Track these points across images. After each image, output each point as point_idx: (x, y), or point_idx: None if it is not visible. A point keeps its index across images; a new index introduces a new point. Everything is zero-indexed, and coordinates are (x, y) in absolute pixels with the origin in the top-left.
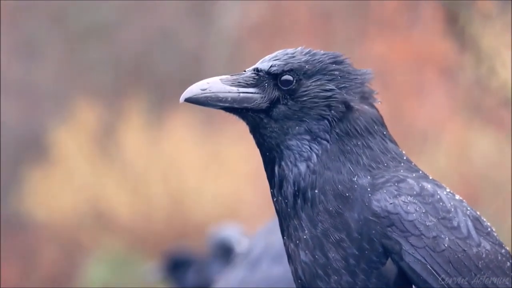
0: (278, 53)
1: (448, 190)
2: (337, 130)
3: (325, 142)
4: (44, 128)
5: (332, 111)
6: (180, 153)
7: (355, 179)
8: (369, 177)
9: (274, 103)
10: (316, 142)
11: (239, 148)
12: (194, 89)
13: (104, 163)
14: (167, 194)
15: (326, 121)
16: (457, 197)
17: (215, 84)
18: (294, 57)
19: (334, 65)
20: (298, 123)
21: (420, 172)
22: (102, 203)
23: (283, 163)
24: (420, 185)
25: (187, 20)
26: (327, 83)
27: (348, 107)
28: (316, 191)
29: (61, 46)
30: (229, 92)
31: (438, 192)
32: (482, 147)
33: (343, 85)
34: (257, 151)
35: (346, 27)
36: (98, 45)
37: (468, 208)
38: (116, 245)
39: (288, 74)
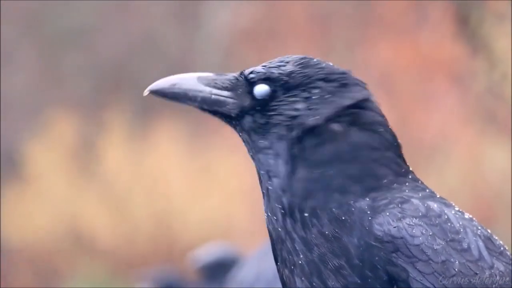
0: (278, 58)
1: (456, 208)
2: (301, 151)
3: (290, 162)
4: (17, 142)
5: (293, 133)
6: (166, 168)
7: (351, 202)
8: (367, 199)
9: (243, 111)
10: (281, 161)
11: (230, 162)
12: (162, 82)
13: (83, 180)
14: (152, 214)
15: (286, 142)
16: (467, 215)
17: (187, 81)
18: (283, 65)
19: (320, 82)
20: (262, 137)
21: (427, 190)
22: (81, 224)
23: (261, 175)
24: (425, 205)
25: (173, 23)
26: (300, 101)
27: (311, 132)
28: (305, 214)
29: (35, 53)
30: (200, 91)
31: (446, 211)
32: (496, 161)
33: (317, 106)
34: (249, 165)
35: (347, 30)
36: (76, 52)
37: (479, 227)
38: (96, 270)
39: (264, 83)
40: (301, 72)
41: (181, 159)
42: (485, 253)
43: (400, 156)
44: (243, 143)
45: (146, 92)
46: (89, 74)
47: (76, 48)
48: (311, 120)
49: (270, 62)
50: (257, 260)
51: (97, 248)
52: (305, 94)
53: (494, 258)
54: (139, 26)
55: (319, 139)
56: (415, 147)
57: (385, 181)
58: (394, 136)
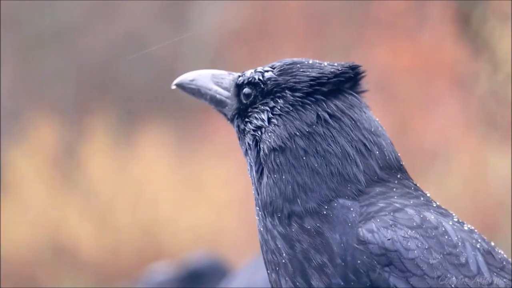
0: (273, 62)
1: (455, 219)
2: (265, 161)
3: (259, 170)
4: None
5: (259, 143)
6: (152, 176)
7: (333, 198)
8: (350, 199)
9: (233, 114)
10: (253, 168)
11: (219, 170)
12: (184, 77)
13: (65, 189)
14: (137, 224)
15: (254, 151)
16: (466, 227)
17: (202, 78)
18: (267, 71)
19: (286, 91)
20: (242, 143)
21: (421, 198)
22: (63, 235)
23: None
24: (421, 215)
25: (159, 24)
26: (267, 110)
27: (271, 141)
28: (284, 212)
29: (13, 55)
30: (209, 90)
31: (443, 223)
32: (499, 168)
33: (276, 121)
34: (240, 173)
35: (343, 31)
36: (57, 54)
37: (479, 240)
38: (79, 282)
39: (248, 88)
40: (275, 80)
41: (168, 166)
42: (484, 268)
43: (387, 160)
44: None
45: (173, 86)
46: (71, 78)
47: (57, 50)
48: (267, 137)
49: (264, 66)
50: (248, 272)
51: (80, 260)
52: (272, 104)
53: (494, 274)
54: (124, 27)
55: (274, 151)
56: (414, 153)
57: (364, 183)
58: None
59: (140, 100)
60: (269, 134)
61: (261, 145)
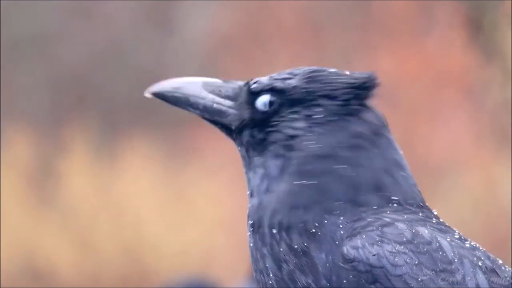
0: (287, 70)
1: (456, 236)
2: (294, 167)
3: (275, 180)
4: None
5: (292, 153)
6: (137, 194)
7: (325, 215)
8: (341, 215)
9: (243, 124)
10: (267, 179)
11: (209, 187)
12: (165, 85)
13: (42, 208)
14: (121, 247)
15: (281, 160)
16: (468, 244)
17: (191, 86)
18: (289, 78)
19: (323, 100)
20: (258, 154)
21: (420, 214)
22: (39, 258)
23: (248, 194)
24: (413, 230)
25: (142, 30)
26: (301, 119)
27: (307, 150)
28: (274, 228)
29: None
30: (203, 99)
31: (438, 238)
32: None
33: (318, 127)
34: (231, 191)
35: (343, 36)
36: (34, 61)
37: (482, 258)
38: None
39: (268, 95)
40: (305, 88)
41: (154, 183)
42: (484, 286)
43: (392, 175)
44: (242, 159)
45: (147, 94)
46: (48, 87)
47: (33, 58)
48: (306, 146)
49: (278, 74)
50: None
51: (58, 285)
52: (307, 112)
53: None
54: (105, 34)
55: (314, 162)
56: (420, 168)
57: (365, 201)
58: (389, 159)
59: (123, 111)
60: (310, 142)
61: (297, 154)
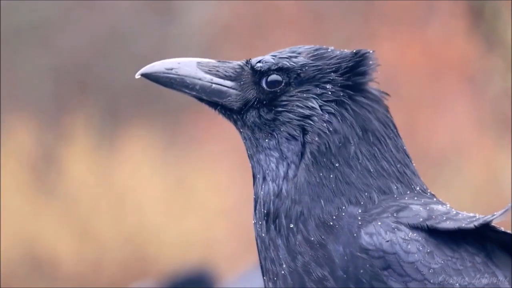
0: (289, 48)
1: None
2: (312, 154)
3: (293, 165)
4: None
5: (307, 136)
6: (138, 183)
7: (343, 207)
8: (361, 204)
9: (248, 105)
10: (285, 163)
11: (210, 175)
12: (156, 66)
13: (43, 196)
14: (121, 235)
15: (297, 143)
16: None
17: (186, 67)
18: (294, 57)
19: (333, 74)
20: (268, 135)
21: (434, 199)
22: (40, 246)
23: (256, 179)
24: (428, 208)
25: (143, 18)
26: (313, 98)
27: (325, 132)
28: (292, 219)
29: None
30: (199, 79)
31: (453, 209)
32: None
33: (330, 105)
34: (232, 179)
35: (345, 25)
36: (35, 50)
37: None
38: None
39: (277, 74)
40: (314, 65)
41: (155, 172)
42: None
43: (407, 165)
44: (243, 141)
45: (137, 75)
46: (49, 76)
47: (34, 46)
48: (323, 127)
49: (280, 52)
50: (240, 284)
51: (59, 273)
52: (317, 90)
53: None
54: (106, 21)
55: (332, 146)
56: (422, 157)
57: (385, 191)
58: (399, 146)
59: (124, 99)
60: (325, 124)
61: (313, 137)
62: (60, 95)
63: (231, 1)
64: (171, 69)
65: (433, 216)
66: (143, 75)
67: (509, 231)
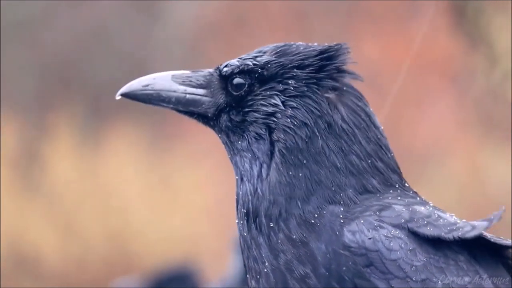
0: (256, 49)
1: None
2: (280, 152)
3: (265, 165)
4: None
5: (273, 134)
6: (122, 180)
7: (323, 205)
8: (342, 203)
9: (220, 110)
10: (257, 163)
11: (194, 173)
12: (134, 84)
13: (27, 194)
14: (106, 233)
15: (265, 142)
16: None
17: (161, 81)
18: (259, 56)
19: (295, 70)
20: (240, 137)
21: (417, 199)
22: (25, 244)
23: (236, 179)
24: (410, 209)
25: (127, 15)
26: (276, 94)
27: (289, 127)
28: (272, 218)
29: None
30: (174, 91)
31: (436, 212)
32: (497, 172)
33: (293, 100)
34: (216, 177)
35: (328, 23)
36: (18, 47)
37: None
38: None
39: (239, 77)
40: (276, 62)
41: (139, 169)
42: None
43: (380, 159)
44: (224, 146)
45: (117, 96)
46: (32, 73)
47: (17, 43)
48: (287, 122)
49: (248, 54)
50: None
51: (43, 270)
52: (281, 87)
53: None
54: (90, 19)
55: (298, 141)
56: (406, 154)
57: (359, 189)
58: (370, 137)
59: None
60: (289, 119)
61: (279, 135)
62: (44, 92)
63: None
64: (147, 85)
65: (415, 219)
66: (122, 95)
67: (488, 237)
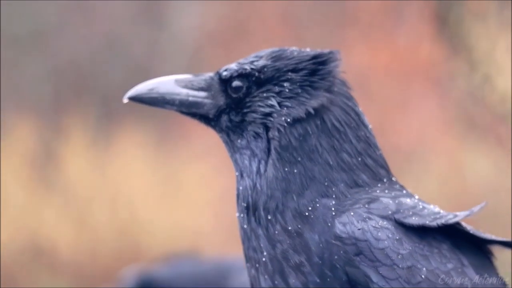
0: (255, 53)
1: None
2: (276, 150)
3: (263, 161)
4: None
5: (269, 133)
6: (130, 177)
7: (317, 199)
8: (334, 196)
9: (220, 111)
10: (256, 160)
11: (197, 171)
12: (140, 88)
13: (43, 190)
14: (116, 226)
15: (262, 140)
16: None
17: (165, 85)
18: (256, 61)
19: (290, 73)
20: (240, 136)
21: (404, 191)
22: (42, 236)
23: (236, 175)
24: (397, 201)
25: (136, 25)
26: (273, 96)
27: (288, 126)
28: (269, 211)
29: None
30: (177, 94)
31: (421, 203)
32: (478, 169)
33: (288, 101)
34: (217, 174)
35: (321, 32)
36: (35, 55)
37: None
38: (58, 283)
39: (238, 80)
40: (272, 66)
41: (146, 167)
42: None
43: (369, 156)
44: (224, 145)
45: (125, 100)
46: (48, 78)
47: (34, 51)
48: (281, 121)
49: (245, 58)
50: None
51: (59, 261)
52: (277, 89)
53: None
54: (101, 28)
55: (291, 139)
56: (392, 153)
57: (350, 184)
58: (360, 135)
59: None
60: (283, 118)
61: (274, 133)
62: (58, 97)
63: (216, 10)
64: (152, 89)
65: (401, 210)
66: (129, 98)
67: (469, 228)
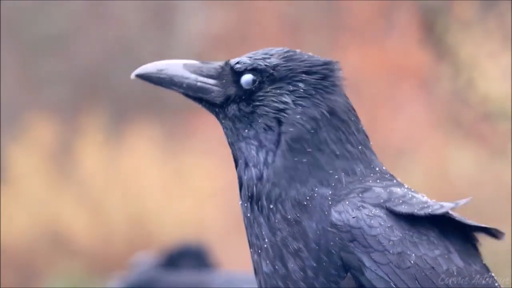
0: (262, 50)
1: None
2: (287, 142)
3: (271, 152)
4: None
5: (281, 127)
6: (141, 171)
7: (316, 189)
8: (331, 186)
9: (229, 100)
10: (264, 150)
11: (203, 165)
12: (149, 67)
13: (61, 182)
14: (127, 215)
15: (273, 133)
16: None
17: (174, 67)
18: (267, 58)
19: (304, 75)
20: (248, 126)
21: (394, 181)
22: (59, 225)
23: (238, 164)
24: (388, 190)
25: (147, 30)
26: (287, 94)
27: (299, 122)
28: (271, 200)
29: (11, 59)
30: (186, 78)
31: (409, 193)
32: (462, 165)
33: (302, 100)
34: (223, 168)
35: (317, 37)
36: (53, 58)
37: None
38: (74, 269)
39: (251, 74)
40: (285, 66)
41: (155, 161)
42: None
43: (366, 146)
44: (224, 130)
45: (132, 76)
46: (66, 80)
47: (53, 55)
48: (296, 118)
49: (255, 54)
50: None
51: (75, 248)
52: (290, 88)
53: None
54: (115, 33)
55: (303, 134)
56: (382, 151)
57: (349, 172)
58: (359, 128)
59: (129, 100)
60: (299, 115)
61: (288, 128)
62: (75, 97)
63: (221, 17)
64: (161, 70)
65: (392, 199)
66: (137, 75)
67: (455, 215)
